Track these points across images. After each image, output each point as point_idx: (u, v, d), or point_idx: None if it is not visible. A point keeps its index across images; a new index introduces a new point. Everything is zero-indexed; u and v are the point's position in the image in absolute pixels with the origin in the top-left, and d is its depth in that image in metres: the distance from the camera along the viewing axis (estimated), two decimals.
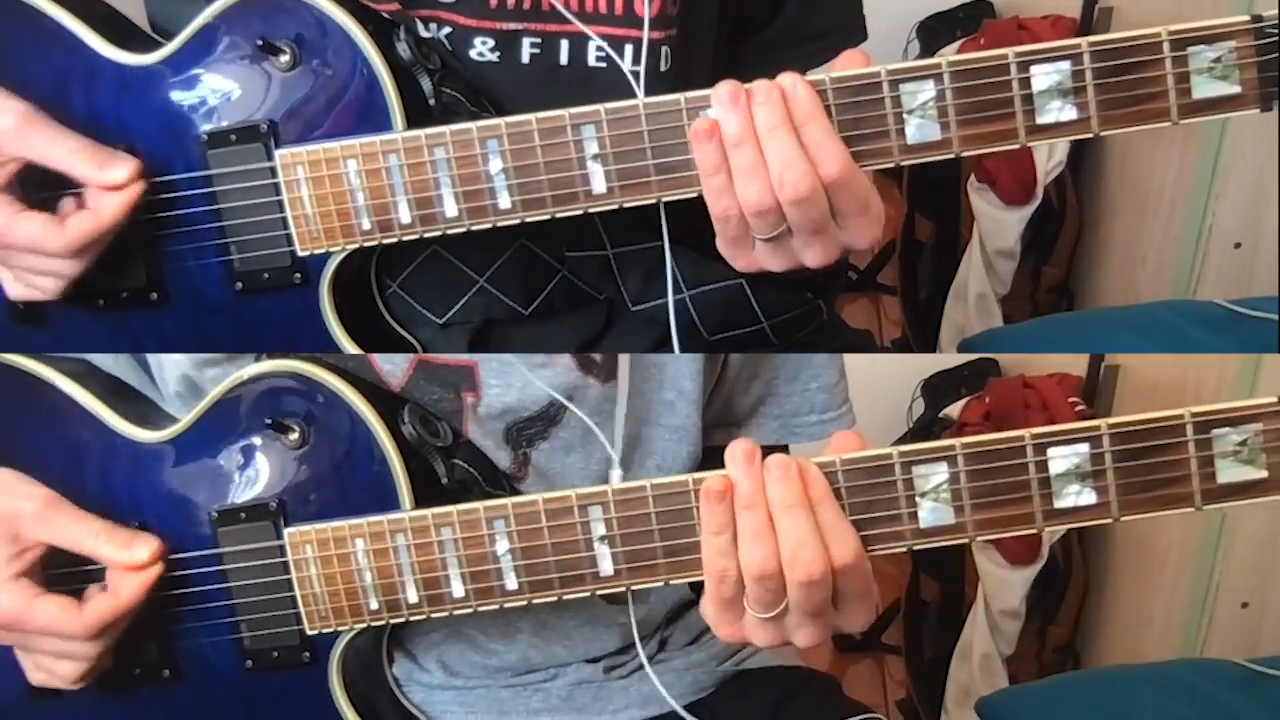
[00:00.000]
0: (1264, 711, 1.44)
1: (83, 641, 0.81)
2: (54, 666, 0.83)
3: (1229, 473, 0.76)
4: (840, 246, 0.79)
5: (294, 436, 0.83)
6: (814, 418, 0.99)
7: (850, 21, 1.00)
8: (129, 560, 0.81)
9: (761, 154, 0.76)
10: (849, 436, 0.78)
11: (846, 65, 0.78)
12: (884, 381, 2.23)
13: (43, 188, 0.82)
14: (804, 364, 0.98)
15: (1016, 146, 0.78)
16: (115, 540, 0.82)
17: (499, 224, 0.81)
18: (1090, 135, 0.77)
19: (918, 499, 0.77)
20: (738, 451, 0.76)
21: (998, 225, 2.29)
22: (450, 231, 0.81)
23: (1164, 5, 1.98)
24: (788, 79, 0.77)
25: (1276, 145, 1.76)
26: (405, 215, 0.81)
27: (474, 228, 0.81)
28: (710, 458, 0.95)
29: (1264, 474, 0.75)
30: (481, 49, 0.85)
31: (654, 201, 0.80)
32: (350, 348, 0.86)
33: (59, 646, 0.82)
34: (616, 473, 0.89)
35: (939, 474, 0.77)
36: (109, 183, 0.80)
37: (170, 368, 0.89)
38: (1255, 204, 1.96)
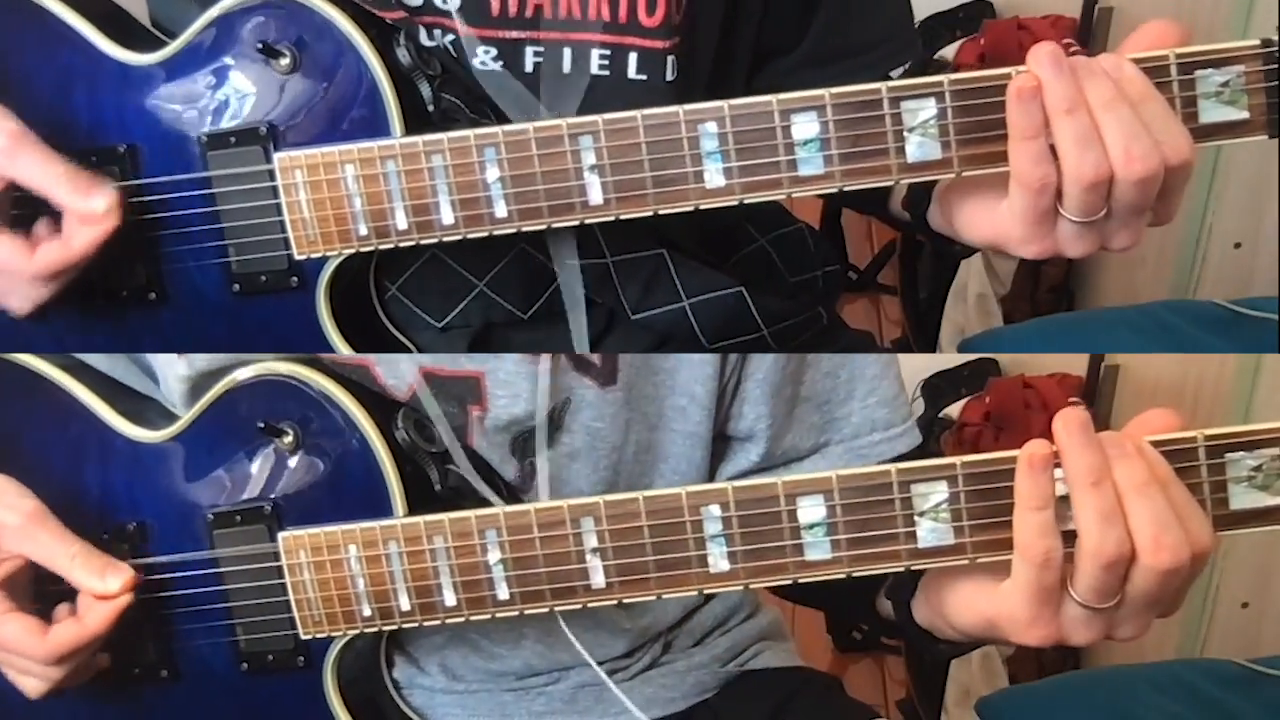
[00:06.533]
0: (1264, 711, 1.43)
1: (43, 665, 0.81)
2: (17, 680, 0.83)
3: (1243, 499, 0.73)
4: (1144, 227, 0.75)
5: (288, 439, 0.83)
6: (878, 436, 0.95)
7: (899, 33, 0.95)
8: (100, 589, 0.81)
9: (1096, 123, 0.71)
10: (1162, 414, 0.73)
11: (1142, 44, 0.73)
12: None
13: (23, 206, 0.82)
14: (857, 380, 0.94)
15: None
16: (89, 566, 0.81)
17: (495, 233, 0.80)
18: None
19: (916, 518, 0.74)
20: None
21: None
22: (446, 239, 0.81)
23: (1164, 6, 1.98)
24: (1109, 59, 0.72)
25: (1277, 145, 1.75)
26: (402, 222, 0.81)
27: (470, 236, 0.81)
28: None
29: None
30: (484, 58, 0.85)
31: (650, 214, 0.79)
32: (345, 351, 0.86)
33: (21, 665, 0.82)
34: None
35: (938, 493, 0.74)
36: (88, 212, 0.80)
37: (173, 380, 0.89)
38: (1255, 204, 1.95)
